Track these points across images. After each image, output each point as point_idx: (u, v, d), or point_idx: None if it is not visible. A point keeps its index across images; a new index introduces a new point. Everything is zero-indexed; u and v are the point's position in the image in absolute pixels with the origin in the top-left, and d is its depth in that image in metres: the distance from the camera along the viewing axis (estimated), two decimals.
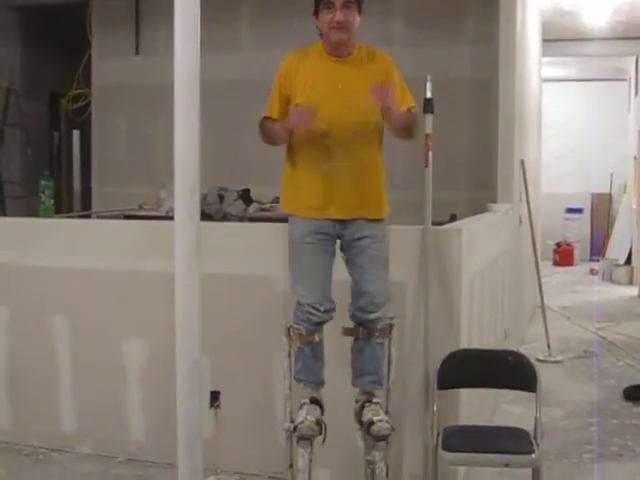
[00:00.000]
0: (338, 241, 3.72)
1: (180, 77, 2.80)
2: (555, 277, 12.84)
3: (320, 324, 3.65)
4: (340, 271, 3.71)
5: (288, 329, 3.68)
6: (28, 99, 8.72)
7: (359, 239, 3.66)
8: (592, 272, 13.08)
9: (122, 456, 4.68)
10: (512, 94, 6.54)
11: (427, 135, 4.08)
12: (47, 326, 4.81)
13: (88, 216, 7.26)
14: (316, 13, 3.68)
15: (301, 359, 3.69)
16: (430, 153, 4.10)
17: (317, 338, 3.67)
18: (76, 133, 9.79)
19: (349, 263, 3.71)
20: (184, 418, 2.97)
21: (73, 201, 9.60)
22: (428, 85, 4.10)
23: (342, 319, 3.72)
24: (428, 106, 4.10)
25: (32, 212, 7.09)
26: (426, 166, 4.10)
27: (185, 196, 2.92)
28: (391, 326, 3.72)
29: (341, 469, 4.20)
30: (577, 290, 11.54)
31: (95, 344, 4.73)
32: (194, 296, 2.91)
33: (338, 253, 3.74)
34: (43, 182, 5.78)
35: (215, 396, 4.49)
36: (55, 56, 8.82)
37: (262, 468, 4.32)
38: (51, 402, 4.83)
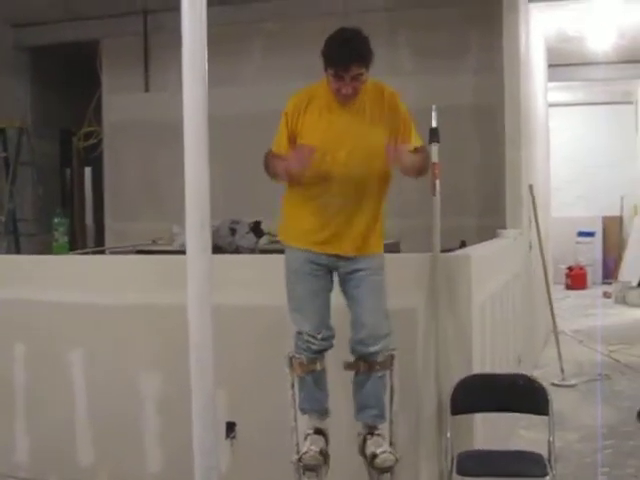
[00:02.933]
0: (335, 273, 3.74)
1: (189, 111, 2.84)
2: (567, 301, 12.82)
3: (320, 352, 3.67)
4: (342, 298, 3.74)
5: (290, 359, 3.71)
6: (39, 137, 8.86)
7: (355, 271, 3.67)
8: (605, 295, 13.07)
9: None
10: (517, 120, 6.62)
11: (434, 164, 4.14)
12: (63, 361, 4.87)
13: (102, 252, 7.34)
14: (325, 67, 3.59)
15: (304, 389, 3.72)
16: (437, 182, 4.16)
17: (319, 367, 3.69)
18: (88, 170, 9.91)
19: (347, 296, 3.72)
20: (200, 450, 3.00)
21: (86, 237, 9.70)
22: (433, 114, 4.18)
23: (345, 352, 3.72)
24: (434, 135, 4.17)
25: (45, 249, 7.19)
26: (434, 195, 4.16)
27: (196, 229, 2.97)
28: (392, 357, 3.71)
29: None
30: (590, 313, 11.53)
31: (111, 377, 4.79)
32: (207, 329, 2.95)
33: (337, 284, 3.76)
34: (57, 220, 5.87)
35: (231, 427, 4.52)
36: (66, 94, 8.96)
37: None
38: (68, 435, 4.87)
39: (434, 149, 4.16)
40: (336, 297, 3.75)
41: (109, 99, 8.42)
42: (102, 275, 4.92)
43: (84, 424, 4.85)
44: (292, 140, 3.69)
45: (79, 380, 4.86)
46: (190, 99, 2.86)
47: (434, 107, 4.15)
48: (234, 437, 4.53)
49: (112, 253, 6.98)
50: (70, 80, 8.86)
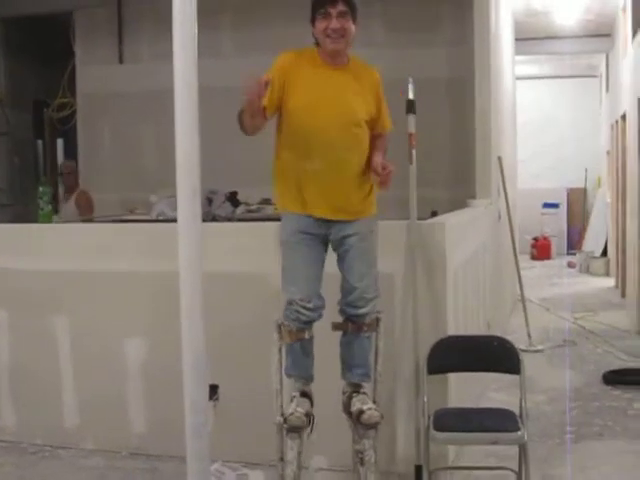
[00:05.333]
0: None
1: (180, 82, 2.88)
2: (533, 270, 13.11)
3: (309, 322, 3.76)
4: (329, 266, 3.84)
5: (279, 326, 3.79)
6: (13, 108, 8.85)
7: (346, 237, 3.77)
8: (570, 265, 13.35)
9: (125, 450, 4.85)
10: (488, 92, 6.75)
11: (410, 134, 4.28)
12: (48, 327, 4.98)
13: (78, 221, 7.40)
14: (312, 22, 3.78)
15: (291, 355, 3.81)
16: (414, 151, 4.30)
17: (307, 335, 3.78)
18: (60, 141, 9.91)
19: (338, 260, 3.82)
20: (191, 406, 3.12)
21: (59, 208, 9.72)
22: (410, 87, 4.30)
23: (333, 314, 3.84)
24: (410, 107, 4.30)
25: (19, 219, 7.24)
26: (410, 163, 4.30)
27: (188, 197, 3.06)
28: (378, 320, 3.85)
29: (336, 456, 4.35)
30: (555, 283, 11.80)
31: (96, 343, 4.91)
32: (198, 292, 3.07)
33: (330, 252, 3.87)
34: (41, 189, 5.92)
35: (214, 390, 4.65)
36: (39, 66, 8.95)
37: (260, 459, 4.41)
38: (54, 400, 5.00)
39: (411, 120, 4.30)
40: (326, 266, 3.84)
41: (83, 71, 8.41)
42: (86, 243, 5.01)
43: (69, 388, 4.98)
44: (277, 95, 3.72)
45: (63, 345, 4.97)
46: (181, 69, 2.91)
47: (410, 79, 4.27)
48: (217, 399, 4.67)
49: (89, 222, 7.04)
50: (44, 51, 8.84)
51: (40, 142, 9.75)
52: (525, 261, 13.75)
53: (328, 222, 3.77)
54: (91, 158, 8.44)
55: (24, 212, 7.87)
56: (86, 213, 7.36)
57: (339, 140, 3.72)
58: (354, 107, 3.76)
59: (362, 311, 3.75)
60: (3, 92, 8.66)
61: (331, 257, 3.86)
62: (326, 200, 3.74)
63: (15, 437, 5.07)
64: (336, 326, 3.85)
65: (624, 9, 9.53)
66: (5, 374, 5.12)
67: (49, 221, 5.83)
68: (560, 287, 11.27)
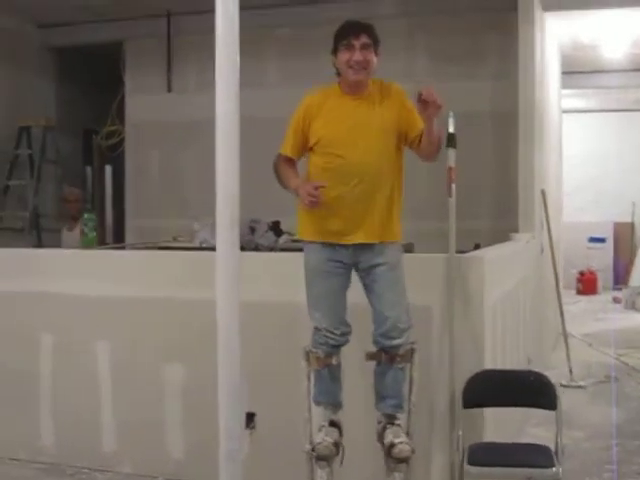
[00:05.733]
0: (354, 271, 3.88)
1: (221, 112, 2.93)
2: (578, 305, 12.94)
3: (337, 347, 3.82)
4: (362, 295, 3.88)
5: (307, 353, 3.85)
6: (64, 136, 9.04)
7: (375, 266, 3.81)
8: (615, 300, 13.18)
9: (161, 476, 4.90)
10: (531, 126, 6.76)
11: (450, 168, 4.32)
12: (89, 351, 5.06)
13: (123, 248, 7.51)
14: (335, 52, 3.87)
15: (319, 382, 3.86)
16: (453, 185, 4.33)
17: (335, 361, 3.83)
18: (108, 168, 10.08)
19: (368, 290, 3.85)
20: (225, 432, 3.16)
21: (106, 234, 9.87)
22: (450, 120, 4.34)
23: (367, 344, 3.88)
24: (451, 141, 4.33)
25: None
26: (450, 197, 4.33)
27: (226, 227, 3.12)
28: (413, 350, 3.86)
29: None
30: (600, 318, 11.65)
31: (135, 368, 4.98)
32: (235, 320, 3.11)
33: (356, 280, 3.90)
34: (86, 215, 6.07)
35: (250, 417, 4.67)
36: (90, 94, 9.15)
37: None
38: (93, 423, 5.07)
39: (451, 154, 4.33)
40: (358, 296, 3.88)
41: (132, 99, 8.60)
42: (128, 269, 5.10)
43: (108, 412, 5.04)
44: (302, 141, 3.88)
45: (103, 370, 5.04)
46: (223, 98, 2.97)
47: (451, 113, 4.31)
48: (253, 427, 4.68)
49: (133, 249, 7.14)
50: (94, 80, 9.04)
51: (89, 169, 9.95)
52: (570, 296, 13.60)
53: (358, 250, 3.81)
54: (138, 185, 8.58)
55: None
56: None
57: (367, 167, 3.77)
58: (382, 123, 3.82)
59: (396, 342, 3.78)
60: (54, 120, 8.85)
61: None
62: (358, 229, 3.79)
63: (54, 459, 5.14)
64: (370, 356, 3.87)
65: None
66: (47, 395, 5.20)
67: (92, 247, 5.94)
68: (604, 322, 11.12)
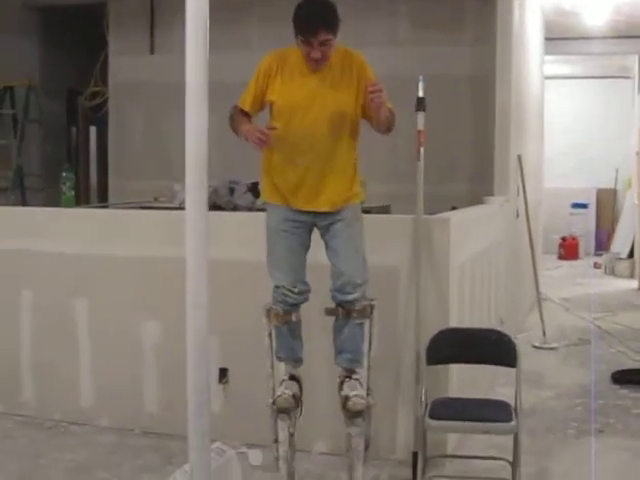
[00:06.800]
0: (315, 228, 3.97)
1: (190, 71, 3.00)
2: (559, 270, 13.11)
3: (295, 305, 3.90)
4: (324, 255, 3.96)
5: (267, 310, 3.92)
6: (47, 96, 9.06)
7: (332, 223, 3.88)
8: (596, 266, 13.33)
9: (138, 428, 5.04)
10: (508, 91, 6.81)
11: (419, 132, 4.40)
12: (68, 308, 5.18)
13: (106, 207, 7.59)
14: (295, 34, 3.80)
15: (280, 338, 3.94)
16: (422, 149, 4.42)
17: (294, 318, 3.91)
18: (93, 129, 10.12)
19: (326, 247, 3.93)
20: (193, 385, 3.26)
21: (90, 193, 9.94)
22: (420, 85, 4.42)
23: (328, 300, 3.95)
24: (420, 104, 4.42)
25: (51, 203, 7.45)
26: (418, 160, 4.42)
27: (195, 187, 3.20)
28: (371, 307, 3.91)
29: (338, 440, 4.46)
30: (579, 283, 11.80)
31: (113, 325, 5.10)
32: (203, 277, 3.20)
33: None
34: (64, 174, 6.13)
35: (224, 373, 4.81)
36: (73, 55, 9.16)
37: (262, 441, 4.46)
38: (71, 378, 5.20)
39: (420, 117, 4.42)
40: (321, 255, 3.97)
41: (115, 60, 8.59)
42: (106, 227, 5.20)
43: (86, 367, 5.17)
44: (259, 98, 3.92)
45: (82, 326, 5.16)
46: (192, 60, 3.00)
47: (421, 77, 4.39)
48: (226, 382, 4.82)
49: (115, 208, 7.22)
50: (77, 40, 9.05)
51: (74, 129, 9.99)
52: (552, 261, 13.78)
53: (315, 214, 3.90)
54: (121, 146, 8.62)
55: (56, 197, 8.08)
56: None
57: (323, 137, 3.83)
58: (339, 102, 3.84)
59: (351, 297, 3.83)
60: (37, 80, 8.87)
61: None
62: (316, 196, 3.87)
63: (33, 412, 5.27)
64: (329, 311, 3.94)
65: None
66: (27, 351, 5.31)
67: (71, 206, 6.02)
68: (583, 287, 11.27)
